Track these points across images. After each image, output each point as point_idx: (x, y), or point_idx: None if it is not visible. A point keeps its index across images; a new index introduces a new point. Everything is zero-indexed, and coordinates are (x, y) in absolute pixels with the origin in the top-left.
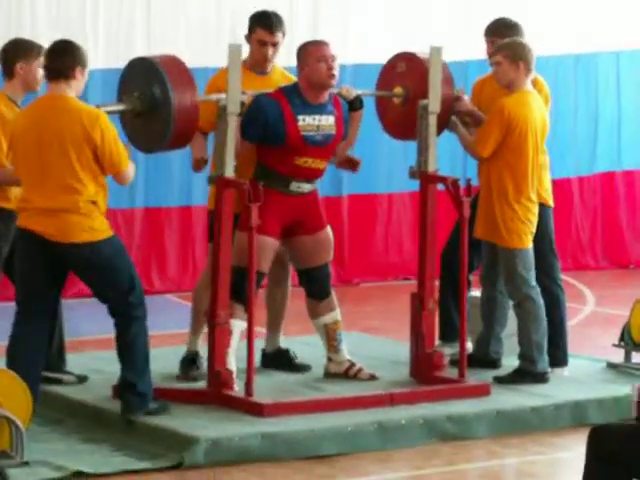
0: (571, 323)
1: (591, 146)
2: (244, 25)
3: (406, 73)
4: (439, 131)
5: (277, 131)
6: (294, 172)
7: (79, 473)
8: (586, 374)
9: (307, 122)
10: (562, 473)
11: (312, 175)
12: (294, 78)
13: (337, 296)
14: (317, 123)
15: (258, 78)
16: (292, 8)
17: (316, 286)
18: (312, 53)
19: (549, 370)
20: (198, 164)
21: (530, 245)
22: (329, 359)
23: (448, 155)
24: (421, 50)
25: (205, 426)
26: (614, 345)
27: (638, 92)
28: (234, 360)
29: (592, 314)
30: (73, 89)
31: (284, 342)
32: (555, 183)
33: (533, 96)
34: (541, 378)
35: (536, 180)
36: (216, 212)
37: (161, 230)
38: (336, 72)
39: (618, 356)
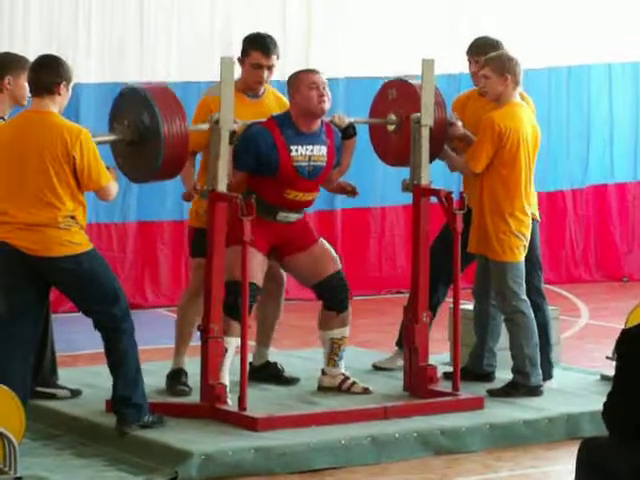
0: (565, 335)
1: (584, 158)
2: (236, 39)
3: (398, 99)
4: (433, 157)
5: (270, 161)
6: (283, 204)
7: None
8: (580, 387)
9: (300, 152)
10: None
11: (301, 207)
12: (286, 100)
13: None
14: (309, 154)
15: (250, 102)
16: (285, 21)
17: (331, 297)
18: (303, 81)
19: (542, 383)
20: (190, 196)
21: (522, 259)
22: (323, 372)
23: (441, 168)
24: (413, 63)
25: (199, 440)
26: (608, 358)
27: (630, 104)
28: (228, 376)
29: (586, 327)
30: (57, 104)
31: (272, 355)
32: (548, 196)
33: (522, 108)
34: (535, 391)
35: (530, 193)
36: (209, 226)
37: (154, 244)
38: (327, 99)
39: (612, 369)
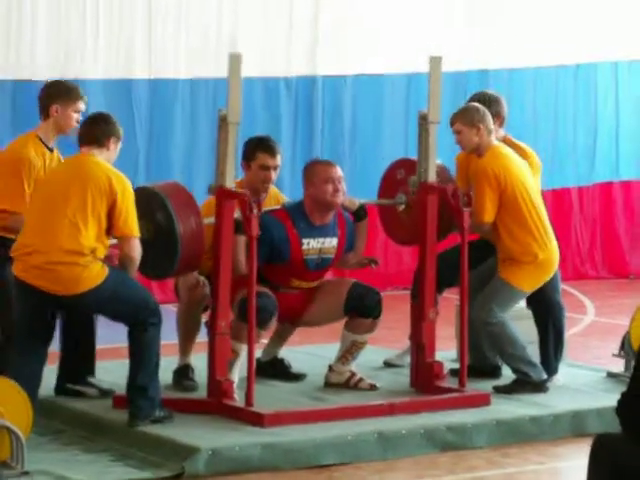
0: (571, 333)
1: (590, 156)
2: (243, 36)
3: (406, 178)
4: (450, 231)
5: (281, 253)
6: (286, 286)
7: None
8: (586, 384)
9: (311, 245)
10: None
11: (302, 289)
12: (285, 198)
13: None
14: (320, 246)
15: None
16: (292, 18)
17: (363, 304)
18: (319, 174)
19: (546, 378)
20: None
21: (530, 290)
22: (330, 369)
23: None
24: (421, 61)
25: (205, 436)
26: (614, 355)
27: (636, 102)
28: (237, 376)
29: (592, 324)
30: (104, 157)
31: (281, 352)
32: (554, 193)
33: (502, 148)
34: (540, 387)
35: (544, 223)
36: (216, 223)
37: None
38: (342, 193)
39: (618, 366)
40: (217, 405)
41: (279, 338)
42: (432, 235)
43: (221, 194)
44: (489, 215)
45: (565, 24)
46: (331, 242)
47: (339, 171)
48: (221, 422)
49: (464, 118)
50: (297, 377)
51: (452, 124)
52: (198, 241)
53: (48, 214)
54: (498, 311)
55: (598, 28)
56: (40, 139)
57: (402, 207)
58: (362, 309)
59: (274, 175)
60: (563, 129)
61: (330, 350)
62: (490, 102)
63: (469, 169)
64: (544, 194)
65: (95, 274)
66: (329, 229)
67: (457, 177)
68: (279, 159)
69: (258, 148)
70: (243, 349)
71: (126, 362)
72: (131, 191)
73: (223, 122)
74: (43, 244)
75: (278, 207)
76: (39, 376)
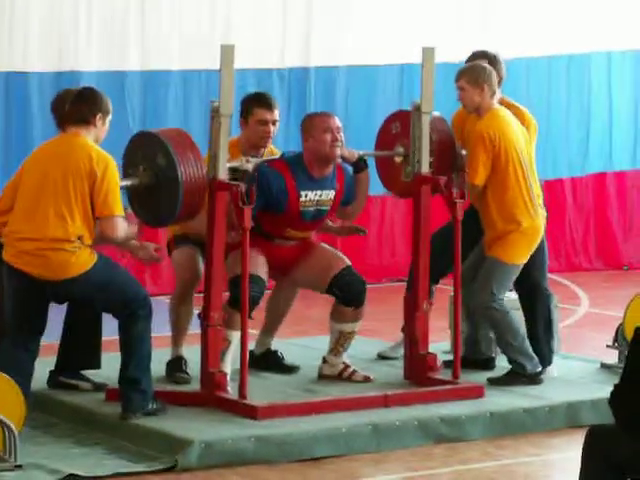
0: (565, 324)
1: (583, 147)
2: (237, 27)
3: (402, 132)
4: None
5: (278, 203)
6: (281, 236)
7: (73, 476)
8: (580, 375)
9: (308, 198)
10: (556, 474)
11: (296, 239)
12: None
13: (330, 299)
14: (317, 198)
15: None
16: (285, 9)
17: (347, 293)
18: (317, 125)
19: (541, 370)
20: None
21: (519, 263)
22: (324, 360)
23: None
24: (414, 51)
25: (198, 428)
26: (608, 346)
27: (629, 92)
28: (230, 366)
29: (586, 315)
30: (92, 135)
31: (273, 344)
32: (547, 184)
33: (504, 111)
34: (534, 379)
35: (535, 195)
36: (209, 214)
37: (155, 233)
38: (341, 144)
39: (612, 357)
40: (210, 397)
41: (270, 328)
42: (426, 226)
43: (215, 186)
44: (480, 178)
45: (558, 14)
46: (328, 195)
47: (337, 121)
48: (214, 415)
49: (470, 76)
50: (291, 369)
51: (457, 80)
52: (200, 185)
53: (34, 202)
54: (497, 293)
55: (591, 18)
56: None
57: (400, 159)
58: (343, 297)
59: (273, 129)
60: (556, 119)
61: (322, 342)
62: (494, 62)
63: (464, 129)
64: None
65: (83, 260)
66: (327, 182)
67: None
68: (277, 113)
69: (255, 103)
70: (235, 336)
71: (119, 355)
72: (114, 170)
73: (216, 114)
74: (31, 231)
75: (277, 157)
76: (31, 368)
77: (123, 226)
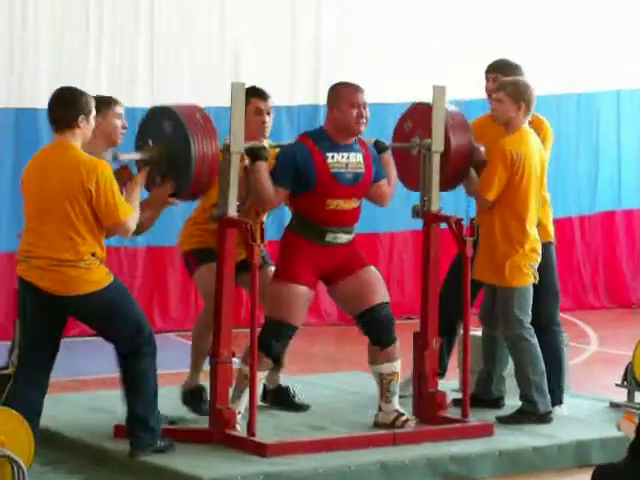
0: (574, 362)
1: (592, 185)
2: (246, 65)
3: (415, 127)
4: (456, 183)
5: (308, 172)
6: (328, 219)
7: None
8: (589, 414)
9: (336, 159)
10: None
11: (346, 220)
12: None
13: (338, 335)
14: (346, 161)
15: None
16: (294, 46)
17: (373, 330)
18: (345, 97)
19: (551, 410)
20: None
21: (529, 285)
22: (379, 408)
23: (451, 194)
24: (424, 90)
25: (207, 466)
26: (617, 385)
27: (638, 131)
28: (244, 405)
29: (595, 354)
30: (78, 138)
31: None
32: (556, 222)
33: (531, 135)
34: (544, 418)
35: (545, 215)
36: (218, 251)
37: (164, 269)
38: (366, 121)
39: (621, 396)
40: (219, 434)
41: (276, 363)
42: (434, 264)
43: (224, 223)
44: (492, 193)
45: (567, 53)
46: (356, 157)
47: (364, 97)
48: (223, 452)
49: (512, 90)
50: (301, 407)
51: (496, 90)
52: (213, 164)
53: (40, 223)
54: (523, 319)
55: (600, 57)
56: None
57: (416, 150)
58: (367, 333)
59: (269, 120)
60: (565, 157)
61: (329, 379)
62: (520, 72)
63: (482, 137)
64: None
65: (98, 278)
66: (352, 146)
67: None
68: (271, 103)
69: (250, 94)
70: (258, 377)
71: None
72: (104, 173)
73: (226, 151)
74: (43, 250)
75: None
76: (41, 406)
77: (133, 221)
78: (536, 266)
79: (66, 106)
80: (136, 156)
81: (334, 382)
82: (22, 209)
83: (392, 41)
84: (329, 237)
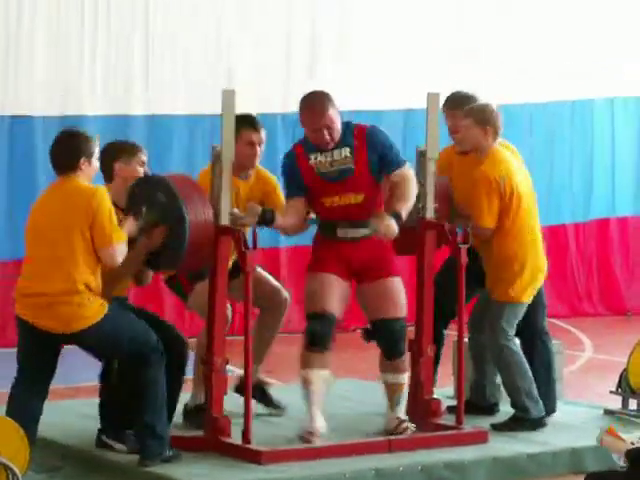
0: (569, 370)
1: (586, 192)
2: (240, 73)
3: None
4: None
5: (297, 177)
6: (331, 215)
7: None
8: (583, 421)
9: (318, 160)
10: None
11: (352, 215)
12: (274, 179)
13: (335, 343)
14: (329, 159)
15: (241, 182)
16: (289, 56)
17: (382, 341)
18: (303, 123)
19: (544, 414)
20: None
21: (525, 300)
22: (385, 415)
23: None
24: (419, 97)
25: (202, 474)
26: (611, 392)
27: (632, 138)
28: (320, 416)
29: (589, 361)
30: (80, 179)
31: (278, 389)
32: (551, 230)
33: (503, 151)
34: (538, 423)
35: (538, 233)
36: (212, 260)
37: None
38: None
39: (616, 403)
40: (214, 442)
41: (259, 343)
42: (429, 272)
43: (217, 230)
44: (490, 221)
45: (561, 60)
46: (341, 153)
47: (316, 121)
48: (218, 460)
49: (479, 116)
50: (277, 407)
51: (464, 118)
52: (208, 230)
53: (40, 259)
54: (508, 330)
55: (594, 64)
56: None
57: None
58: (380, 345)
59: (259, 150)
60: (559, 165)
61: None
62: (475, 101)
63: (452, 170)
64: (541, 230)
65: (94, 312)
66: (339, 141)
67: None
68: (263, 133)
69: (242, 124)
70: (314, 376)
71: None
72: (102, 198)
73: (217, 159)
74: (37, 286)
75: None
76: (40, 412)
77: (122, 250)
78: (539, 285)
79: (68, 152)
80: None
81: (330, 389)
82: (16, 217)
83: (389, 48)
84: (340, 232)
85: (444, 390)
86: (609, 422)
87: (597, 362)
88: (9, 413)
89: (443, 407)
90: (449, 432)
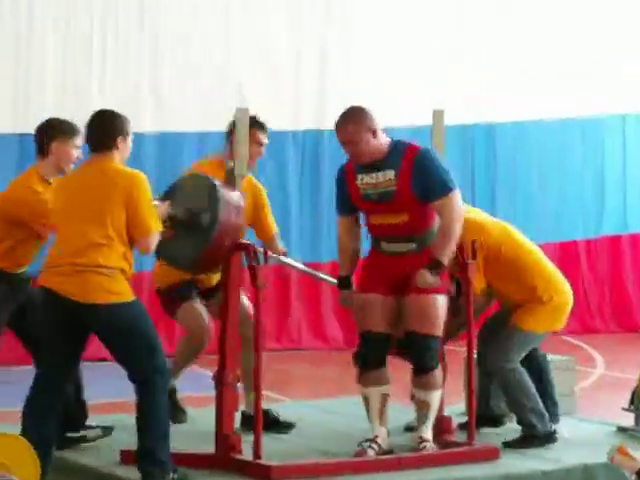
0: (581, 386)
1: (598, 209)
2: (251, 91)
3: None
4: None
5: (345, 194)
6: (376, 231)
7: None
8: (596, 438)
9: (365, 181)
10: None
11: (394, 232)
12: (265, 195)
13: (344, 360)
14: (374, 181)
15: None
16: (299, 73)
17: (411, 354)
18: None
19: (554, 429)
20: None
21: (544, 331)
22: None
23: None
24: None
25: None
26: (623, 409)
27: None
28: (385, 431)
29: (602, 377)
30: (115, 157)
31: (286, 405)
32: (562, 246)
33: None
34: (549, 438)
35: (551, 272)
36: (223, 275)
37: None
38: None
39: (628, 420)
40: (225, 459)
41: (248, 386)
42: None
43: (231, 247)
44: (482, 281)
45: (572, 77)
46: (385, 175)
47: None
48: (228, 477)
49: None
50: (289, 426)
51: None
52: (223, 249)
53: (67, 229)
54: (514, 356)
55: (605, 81)
56: (42, 177)
57: None
58: (410, 357)
59: (263, 152)
60: (571, 182)
61: (336, 404)
62: None
63: None
64: (552, 247)
65: (122, 290)
66: (383, 165)
67: None
68: (266, 135)
69: (253, 125)
70: (371, 392)
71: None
72: (142, 184)
73: (230, 175)
74: (66, 258)
75: None
76: (53, 423)
77: (156, 239)
78: (561, 318)
79: (104, 128)
80: (163, 206)
81: (340, 407)
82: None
83: (395, 65)
84: (384, 246)
85: (455, 407)
86: (622, 439)
87: (609, 379)
88: (24, 425)
89: (454, 424)
90: (460, 449)
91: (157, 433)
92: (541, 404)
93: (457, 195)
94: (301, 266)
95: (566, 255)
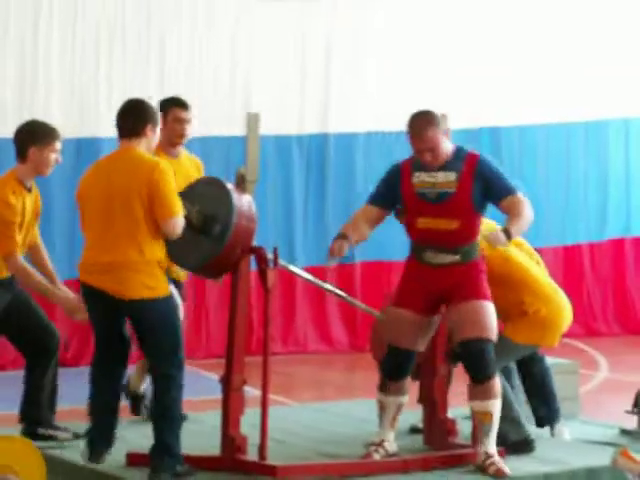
0: (584, 389)
1: (601, 212)
2: (257, 96)
3: None
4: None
5: (396, 189)
6: (421, 237)
7: None
8: (599, 440)
9: (422, 179)
10: None
11: (442, 241)
12: (199, 161)
13: (349, 363)
14: (433, 180)
15: (172, 161)
16: (304, 77)
17: (467, 364)
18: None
19: (527, 435)
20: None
21: (522, 342)
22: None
23: None
24: None
25: None
26: (627, 412)
27: None
28: (392, 435)
29: (605, 380)
30: (143, 145)
31: (291, 408)
32: (566, 249)
33: None
34: (521, 446)
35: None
36: (233, 278)
37: None
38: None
39: (631, 422)
40: (230, 461)
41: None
42: None
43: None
44: None
45: (575, 81)
46: (446, 176)
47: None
48: (235, 477)
49: None
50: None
51: None
52: (231, 260)
53: (104, 229)
54: (500, 368)
55: (608, 85)
56: (19, 181)
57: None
58: (466, 368)
59: (187, 128)
60: (575, 185)
61: (342, 407)
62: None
63: None
64: (556, 250)
65: (159, 286)
66: (445, 166)
67: None
68: (191, 113)
69: (171, 102)
70: (389, 401)
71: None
72: (164, 171)
73: (241, 180)
74: (105, 256)
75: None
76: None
77: (182, 222)
78: (554, 331)
79: (136, 114)
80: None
81: (345, 410)
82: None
83: (401, 69)
84: (427, 257)
85: (460, 410)
86: (625, 442)
87: (612, 382)
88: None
89: (458, 426)
90: (465, 451)
91: (175, 429)
92: (518, 412)
93: (523, 196)
94: (308, 275)
95: (570, 258)
